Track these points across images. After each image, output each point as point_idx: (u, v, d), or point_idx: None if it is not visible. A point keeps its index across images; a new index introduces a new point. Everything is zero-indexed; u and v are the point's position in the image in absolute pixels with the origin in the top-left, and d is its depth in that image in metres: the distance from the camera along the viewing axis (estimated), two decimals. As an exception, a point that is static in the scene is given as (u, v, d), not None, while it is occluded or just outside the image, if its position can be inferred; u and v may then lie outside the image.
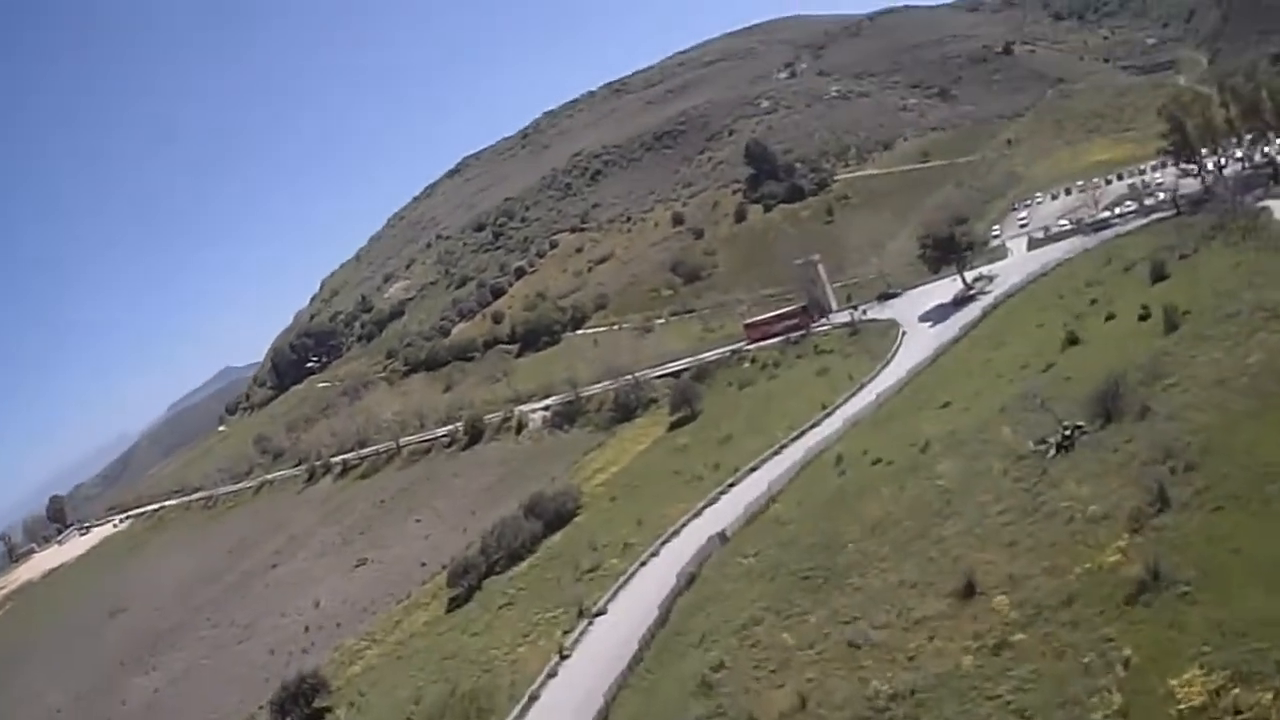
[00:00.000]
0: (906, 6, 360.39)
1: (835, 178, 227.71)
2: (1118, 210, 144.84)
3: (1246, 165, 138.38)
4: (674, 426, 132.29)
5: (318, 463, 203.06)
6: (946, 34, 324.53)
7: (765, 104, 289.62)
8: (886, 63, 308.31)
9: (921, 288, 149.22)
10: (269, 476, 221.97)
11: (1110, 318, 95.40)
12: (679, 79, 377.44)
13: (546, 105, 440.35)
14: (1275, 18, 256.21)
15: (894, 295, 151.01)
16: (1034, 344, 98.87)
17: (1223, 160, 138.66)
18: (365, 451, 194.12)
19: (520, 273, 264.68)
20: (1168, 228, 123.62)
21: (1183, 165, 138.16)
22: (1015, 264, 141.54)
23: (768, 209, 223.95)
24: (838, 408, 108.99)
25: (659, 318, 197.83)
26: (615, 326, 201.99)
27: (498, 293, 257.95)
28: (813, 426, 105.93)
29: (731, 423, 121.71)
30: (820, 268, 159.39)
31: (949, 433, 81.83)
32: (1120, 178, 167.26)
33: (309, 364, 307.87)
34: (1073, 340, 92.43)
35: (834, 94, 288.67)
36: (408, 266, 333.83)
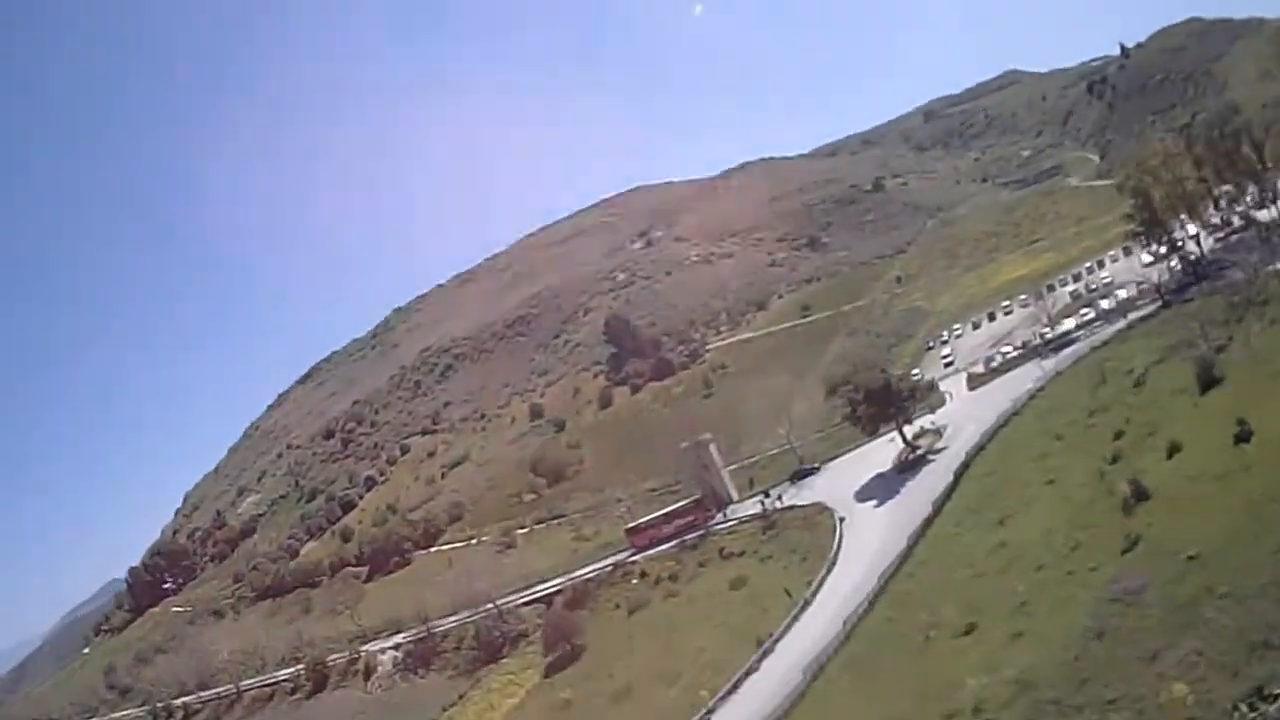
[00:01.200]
0: (762, 160, 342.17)
1: (707, 347, 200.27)
2: (1079, 320, 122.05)
3: (1227, 230, 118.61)
4: (552, 670, 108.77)
5: (159, 705, 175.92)
6: (808, 181, 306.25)
7: (621, 277, 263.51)
8: (747, 219, 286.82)
9: (845, 457, 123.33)
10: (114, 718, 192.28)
11: (1175, 450, 68.67)
12: (527, 262, 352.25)
13: (396, 302, 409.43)
14: (1162, 97, 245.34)
15: (810, 471, 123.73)
16: (1064, 510, 72.08)
17: (1199, 229, 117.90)
18: (206, 695, 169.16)
19: (370, 483, 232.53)
20: (1165, 322, 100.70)
21: (1155, 247, 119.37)
22: (961, 409, 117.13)
23: (635, 390, 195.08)
24: (779, 639, 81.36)
25: (522, 527, 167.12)
26: (473, 540, 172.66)
27: (347, 506, 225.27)
28: (748, 674, 78.15)
29: (628, 665, 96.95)
30: (713, 449, 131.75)
31: (1019, 683, 50.56)
32: (1063, 284, 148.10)
33: (164, 585, 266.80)
34: (1140, 495, 64.77)
35: (694, 258, 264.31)
36: (259, 479, 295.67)
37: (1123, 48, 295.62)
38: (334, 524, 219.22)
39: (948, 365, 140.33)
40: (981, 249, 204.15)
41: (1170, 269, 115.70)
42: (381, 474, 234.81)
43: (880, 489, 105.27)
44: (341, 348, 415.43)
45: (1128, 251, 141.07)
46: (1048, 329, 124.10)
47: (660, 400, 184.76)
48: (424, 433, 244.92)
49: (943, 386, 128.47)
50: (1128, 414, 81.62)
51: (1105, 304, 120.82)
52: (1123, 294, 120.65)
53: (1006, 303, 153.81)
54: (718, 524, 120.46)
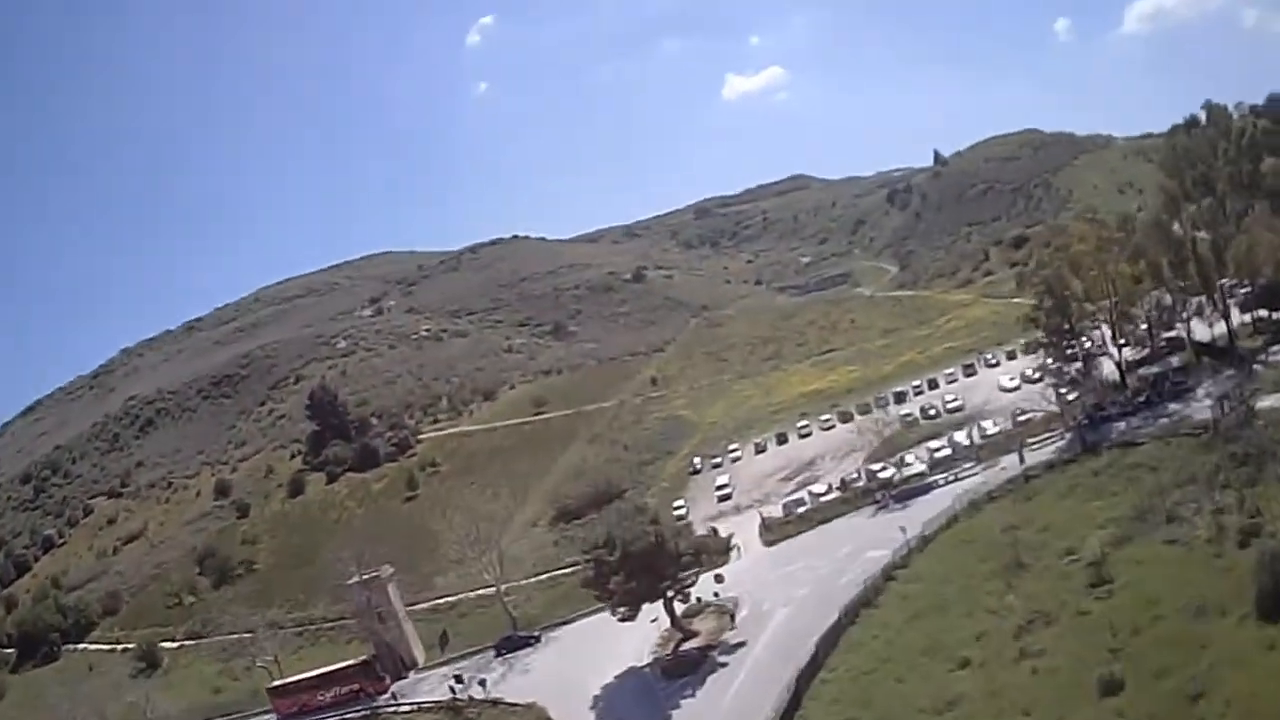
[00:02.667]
0: (515, 238, 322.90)
1: (420, 437, 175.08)
2: (931, 458, 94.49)
3: (1152, 347, 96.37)
4: None
5: None
6: (561, 264, 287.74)
7: (343, 345, 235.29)
8: (488, 298, 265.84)
9: (578, 624, 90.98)
10: None
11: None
12: (253, 316, 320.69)
13: (125, 341, 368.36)
14: (984, 208, 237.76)
15: (526, 643, 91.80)
16: None
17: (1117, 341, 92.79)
18: None
19: (49, 544, 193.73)
20: (1098, 474, 73.26)
21: (1051, 361, 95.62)
22: (755, 573, 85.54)
23: (331, 479, 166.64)
24: None
25: (172, 639, 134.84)
26: (118, 647, 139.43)
27: (22, 568, 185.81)
28: None
29: None
30: (392, 590, 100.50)
31: None
32: (884, 403, 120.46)
33: None
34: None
35: (424, 333, 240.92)
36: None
37: (937, 155, 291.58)
38: (6, 587, 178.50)
39: (724, 499, 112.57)
40: (758, 355, 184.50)
41: (1067, 391, 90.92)
42: (61, 535, 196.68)
43: (636, 704, 69.75)
44: (66, 384, 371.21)
45: (970, 370, 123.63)
46: (884, 466, 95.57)
47: (356, 496, 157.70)
48: (111, 494, 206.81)
49: (722, 530, 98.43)
50: (1091, 634, 51.34)
51: (964, 437, 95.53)
52: (991, 426, 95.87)
53: (804, 423, 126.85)
54: (388, 703, 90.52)
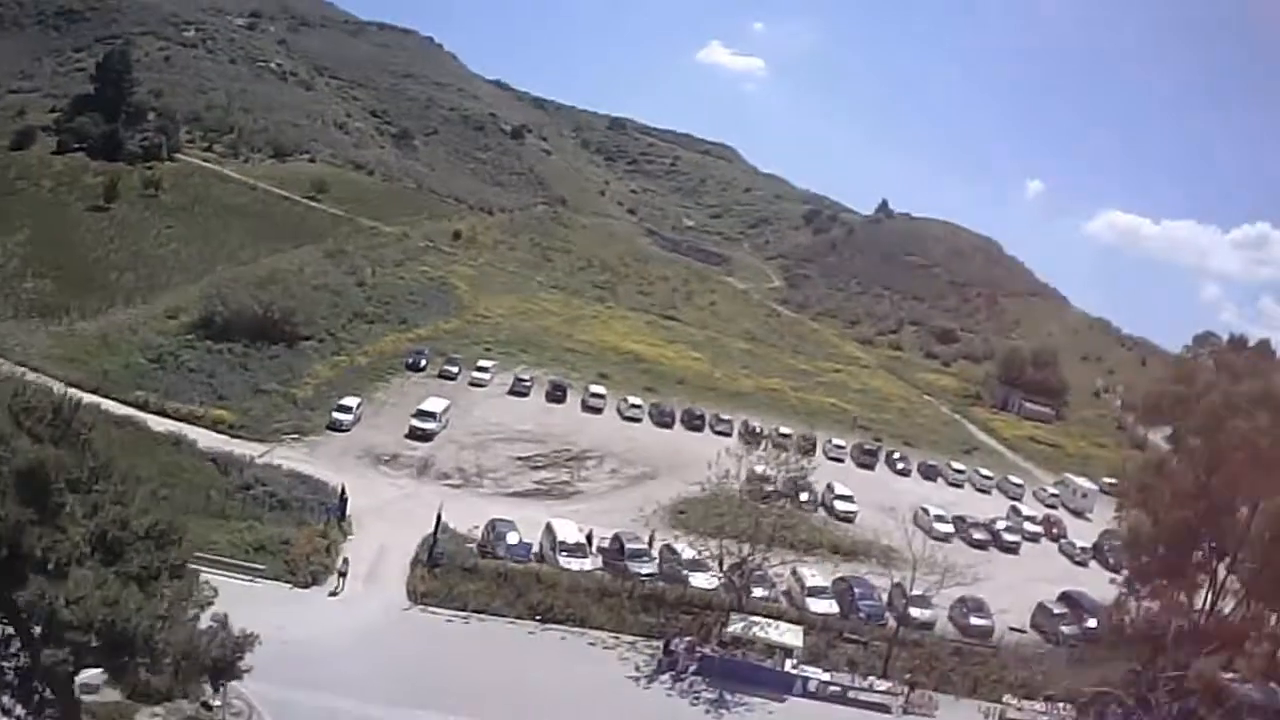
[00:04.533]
0: (426, 40, 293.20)
1: (177, 155, 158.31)
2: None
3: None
4: None
5: None
6: (450, 82, 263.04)
7: (190, 34, 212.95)
8: (357, 71, 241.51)
9: None
10: None
11: None
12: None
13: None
14: (899, 279, 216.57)
15: None
16: None
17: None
18: None
19: None
20: None
21: None
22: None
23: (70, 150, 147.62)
24: None
25: None
26: None
27: None
28: None
29: None
30: None
31: None
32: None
33: None
34: None
35: (272, 66, 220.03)
36: None
37: (885, 205, 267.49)
38: None
39: (418, 437, 78.76)
40: (588, 277, 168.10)
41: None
42: None
43: None
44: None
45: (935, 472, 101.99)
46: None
47: (80, 184, 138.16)
48: None
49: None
50: None
51: None
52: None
53: (599, 388, 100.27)
54: None
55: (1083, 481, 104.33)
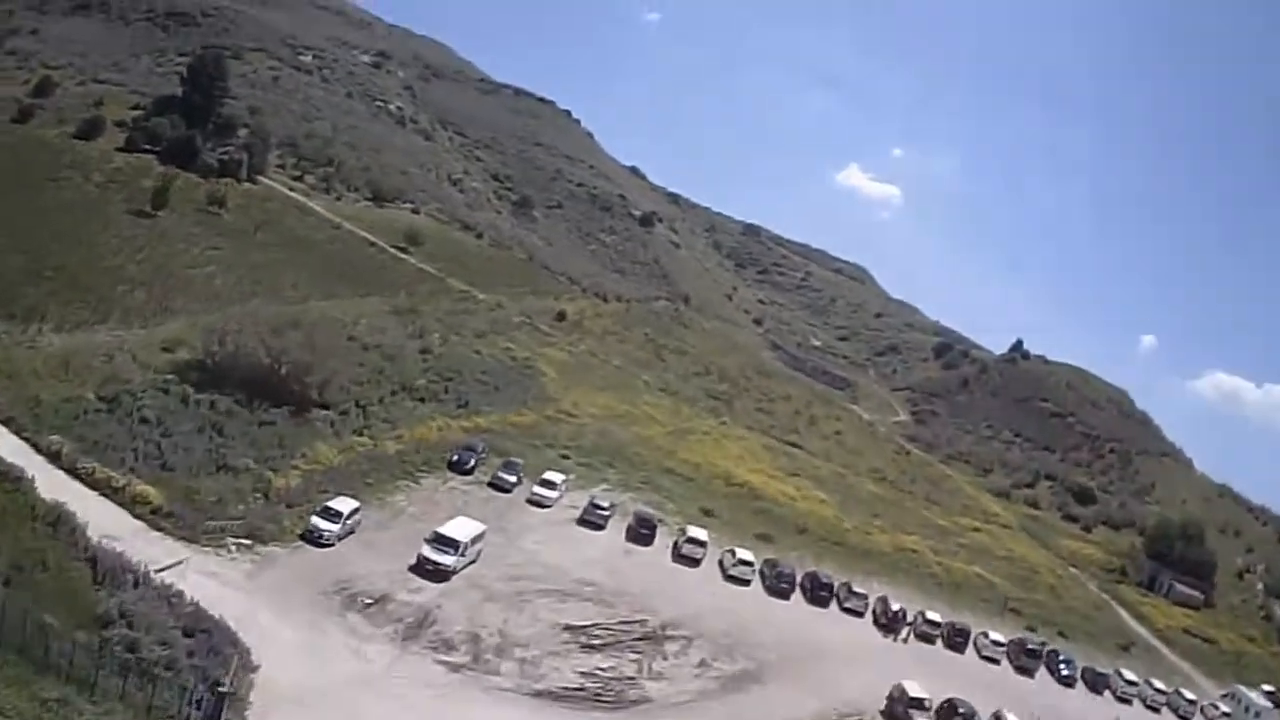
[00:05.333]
0: (550, 105, 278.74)
1: (266, 174, 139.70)
2: None
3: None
4: None
5: None
6: (577, 153, 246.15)
7: (308, 59, 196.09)
8: (486, 130, 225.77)
9: None
10: None
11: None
12: None
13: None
14: (1032, 428, 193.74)
15: None
16: None
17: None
18: None
19: None
20: None
21: None
22: None
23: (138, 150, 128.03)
24: None
25: None
26: None
27: None
28: None
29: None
30: None
31: None
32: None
33: None
34: None
35: (392, 108, 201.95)
36: None
37: (1020, 345, 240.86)
38: None
39: (433, 573, 52.87)
40: (704, 383, 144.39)
41: None
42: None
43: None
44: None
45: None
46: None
47: (189, 199, 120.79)
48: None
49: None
50: None
51: None
52: None
53: (700, 532, 74.25)
54: None
55: (1255, 696, 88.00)
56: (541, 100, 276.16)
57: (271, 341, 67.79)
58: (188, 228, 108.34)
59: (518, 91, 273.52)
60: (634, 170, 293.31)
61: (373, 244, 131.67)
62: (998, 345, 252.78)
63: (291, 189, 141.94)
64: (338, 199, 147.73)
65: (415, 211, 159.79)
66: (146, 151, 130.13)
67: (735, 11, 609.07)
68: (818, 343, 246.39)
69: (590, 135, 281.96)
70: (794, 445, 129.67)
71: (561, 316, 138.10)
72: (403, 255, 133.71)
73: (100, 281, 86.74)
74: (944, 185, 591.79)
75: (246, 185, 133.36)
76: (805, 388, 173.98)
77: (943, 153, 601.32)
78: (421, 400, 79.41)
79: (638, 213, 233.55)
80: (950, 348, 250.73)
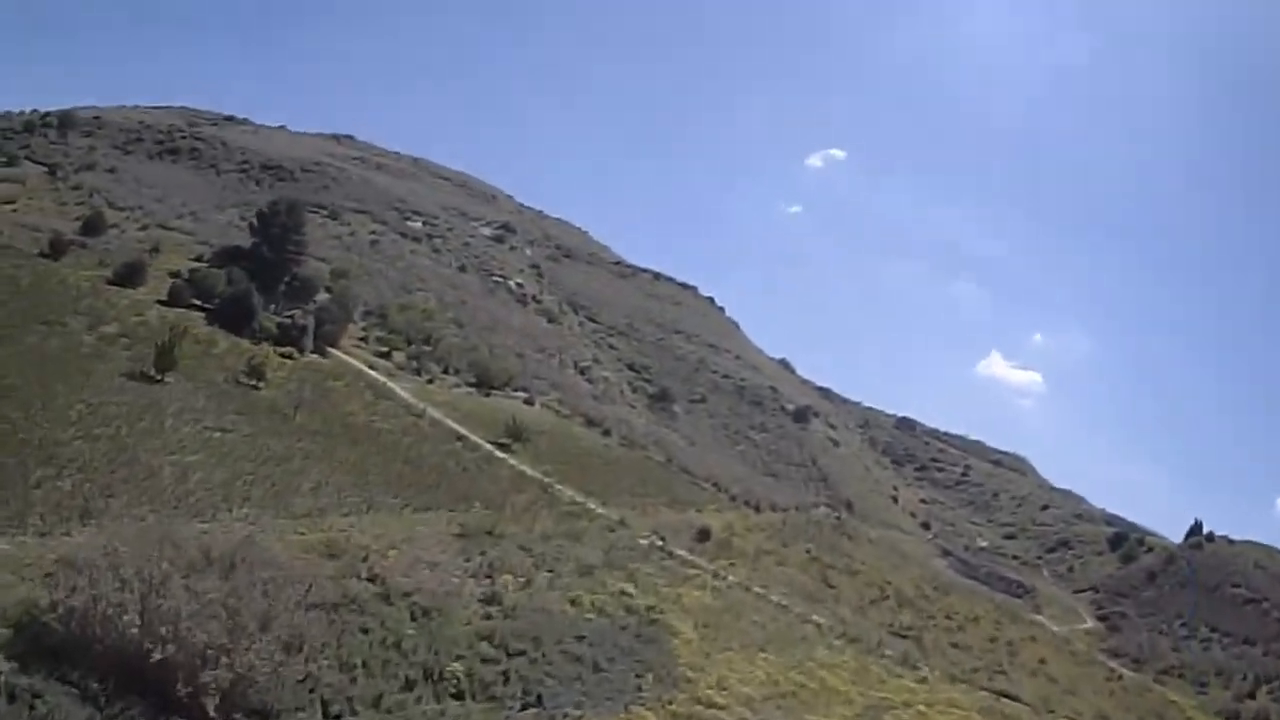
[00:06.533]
0: (705, 299, 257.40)
1: (349, 346, 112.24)
2: None
3: None
4: None
5: None
6: (725, 346, 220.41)
7: (417, 224, 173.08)
8: (620, 316, 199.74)
9: None
10: None
11: None
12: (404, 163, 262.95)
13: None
14: (1229, 620, 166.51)
15: None
16: None
17: None
18: None
19: None
20: None
21: None
22: None
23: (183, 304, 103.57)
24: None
25: None
26: None
27: None
28: None
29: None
30: None
31: None
32: None
33: None
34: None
35: (511, 285, 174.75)
36: None
37: (1199, 528, 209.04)
38: None
39: None
40: (883, 617, 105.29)
41: None
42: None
43: None
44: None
45: None
46: None
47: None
48: None
49: None
50: None
51: None
52: None
53: None
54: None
55: None
56: (683, 285, 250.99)
57: (159, 597, 34.74)
58: (198, 400, 78.69)
59: (657, 276, 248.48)
60: (783, 362, 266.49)
61: (460, 438, 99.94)
62: (1169, 529, 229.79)
63: (372, 366, 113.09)
64: (429, 381, 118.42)
65: (529, 402, 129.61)
66: (195, 307, 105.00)
67: (873, 198, 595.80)
68: (984, 543, 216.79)
69: (735, 324, 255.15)
70: (1007, 696, 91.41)
71: (705, 536, 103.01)
72: (501, 453, 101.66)
73: (26, 456, 56.89)
74: (1085, 367, 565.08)
75: (313, 357, 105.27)
76: (988, 602, 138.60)
77: (1081, 333, 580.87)
78: (459, 697, 44.83)
79: (791, 407, 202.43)
80: (1125, 537, 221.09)
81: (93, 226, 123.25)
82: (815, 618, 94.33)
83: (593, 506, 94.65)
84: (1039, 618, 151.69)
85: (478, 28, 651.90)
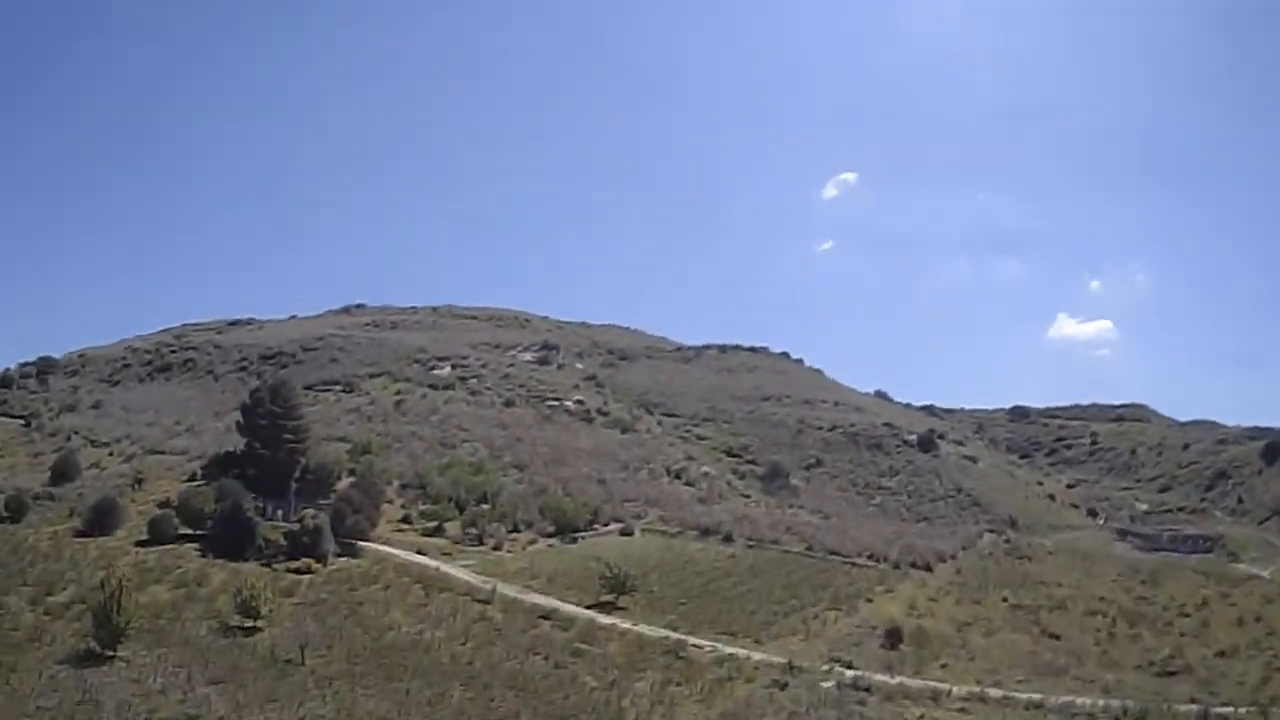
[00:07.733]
0: (779, 355, 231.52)
1: (386, 532, 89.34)
2: None
3: None
4: None
5: None
6: (821, 398, 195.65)
7: (445, 371, 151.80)
8: (699, 403, 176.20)
9: None
10: None
11: None
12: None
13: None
14: None
15: None
16: None
17: None
18: None
19: None
20: None
21: None
22: None
23: (168, 540, 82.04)
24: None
25: None
26: None
27: None
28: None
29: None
30: None
31: None
32: None
33: None
34: None
35: (572, 405, 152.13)
36: None
37: None
38: None
39: None
40: (1101, 629, 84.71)
41: None
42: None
43: None
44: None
45: None
46: None
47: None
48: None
49: None
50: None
51: None
52: None
53: None
54: None
55: None
56: (753, 350, 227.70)
57: None
58: (158, 677, 55.35)
59: (723, 348, 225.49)
60: (880, 394, 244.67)
61: (546, 615, 74.67)
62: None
63: (420, 550, 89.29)
64: (497, 548, 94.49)
65: (626, 532, 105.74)
66: (185, 538, 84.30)
67: (895, 209, 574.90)
68: (1144, 506, 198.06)
69: (819, 371, 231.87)
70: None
71: (895, 636, 77.45)
72: (606, 617, 76.67)
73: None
74: (1149, 297, 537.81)
75: (341, 561, 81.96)
76: (1197, 575, 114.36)
77: (1136, 267, 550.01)
78: None
79: (913, 437, 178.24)
80: (1276, 449, 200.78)
81: (62, 474, 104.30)
82: (1079, 701, 67.71)
83: (744, 653, 69.10)
84: (1241, 567, 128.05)
85: (469, 164, 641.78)
